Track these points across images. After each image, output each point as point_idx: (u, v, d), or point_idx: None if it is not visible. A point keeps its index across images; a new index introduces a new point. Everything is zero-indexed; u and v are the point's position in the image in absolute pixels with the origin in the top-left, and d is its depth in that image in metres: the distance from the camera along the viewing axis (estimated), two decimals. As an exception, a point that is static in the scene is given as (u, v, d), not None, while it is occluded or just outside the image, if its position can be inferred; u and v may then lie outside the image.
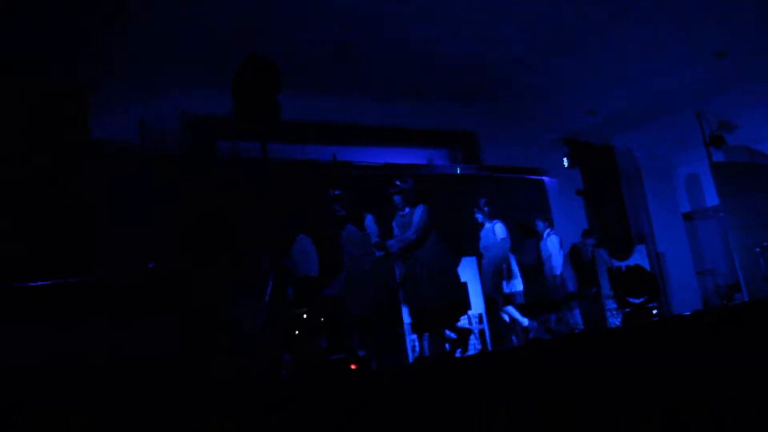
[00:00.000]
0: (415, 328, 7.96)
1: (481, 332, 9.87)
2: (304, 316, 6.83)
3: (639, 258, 11.46)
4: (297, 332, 6.76)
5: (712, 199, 14.72)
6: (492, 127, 12.96)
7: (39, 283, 5.88)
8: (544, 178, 13.69)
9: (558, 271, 10.04)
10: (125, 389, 5.39)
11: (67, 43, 7.96)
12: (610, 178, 14.23)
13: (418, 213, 7.78)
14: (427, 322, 7.55)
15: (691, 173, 15.94)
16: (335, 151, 11.18)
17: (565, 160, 13.26)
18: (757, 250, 11.66)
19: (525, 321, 9.20)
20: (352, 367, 6.58)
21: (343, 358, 6.68)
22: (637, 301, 9.28)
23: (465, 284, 8.78)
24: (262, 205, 8.10)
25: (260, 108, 7.20)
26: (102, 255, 8.01)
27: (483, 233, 9.80)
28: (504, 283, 9.35)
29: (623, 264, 11.03)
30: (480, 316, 9.88)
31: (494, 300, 9.65)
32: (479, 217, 9.88)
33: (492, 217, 9.85)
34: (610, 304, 10.66)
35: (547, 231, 10.79)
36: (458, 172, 12.64)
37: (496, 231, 9.62)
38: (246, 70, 7.21)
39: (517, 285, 9.39)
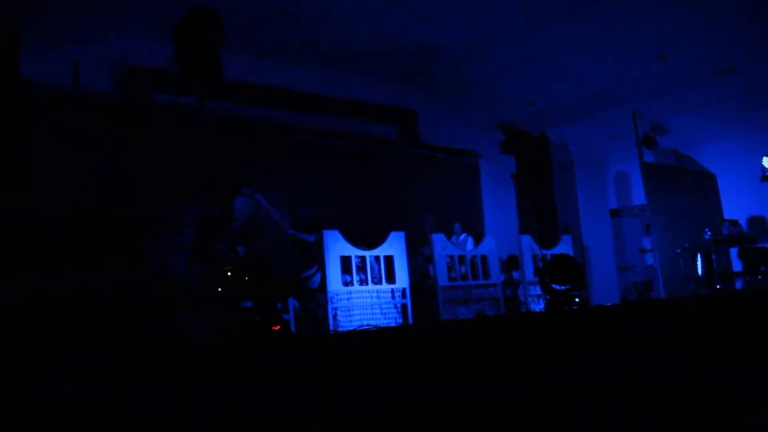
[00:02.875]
0: None
1: (404, 306, 9.96)
2: (229, 273, 6.76)
3: (564, 248, 11.66)
4: (219, 289, 6.69)
5: (638, 198, 15.08)
6: (432, 107, 13.01)
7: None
8: (479, 161, 13.81)
9: None
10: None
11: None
12: (542, 168, 14.41)
13: None
14: None
15: (621, 171, 16.30)
16: (273, 114, 11.11)
17: (500, 145, 13.46)
18: (678, 251, 11.98)
19: None
20: (275, 328, 6.57)
21: (265, 320, 6.66)
22: (561, 288, 9.42)
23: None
24: (196, 159, 8.00)
25: (202, 62, 7.08)
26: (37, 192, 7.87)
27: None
28: None
29: (548, 252, 11.20)
30: (403, 291, 9.96)
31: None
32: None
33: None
34: (532, 290, 10.85)
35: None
36: (396, 147, 12.68)
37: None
38: (189, 21, 7.07)
39: None
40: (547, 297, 9.78)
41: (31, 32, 8.42)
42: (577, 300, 9.22)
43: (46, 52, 8.81)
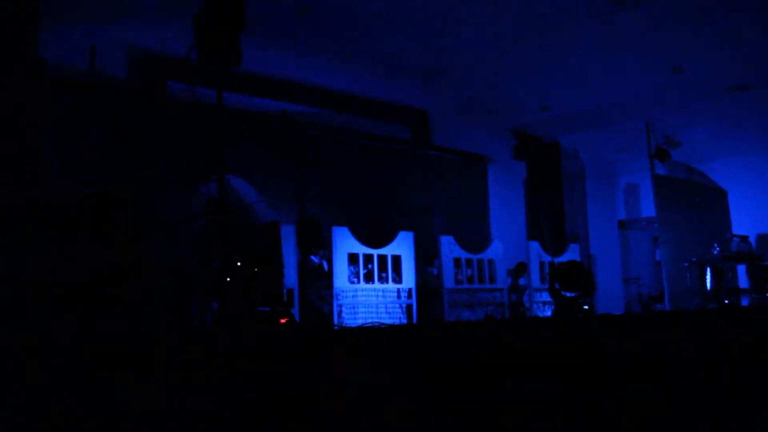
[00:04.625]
0: None
1: (409, 306, 9.91)
2: (239, 263, 6.69)
3: (572, 256, 11.60)
4: (228, 279, 6.62)
5: (647, 210, 15.03)
6: (445, 109, 12.98)
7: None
8: (488, 165, 13.77)
9: None
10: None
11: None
12: (553, 175, 14.38)
13: None
14: None
15: (630, 182, 16.25)
16: (285, 108, 11.08)
17: (511, 150, 13.40)
18: (686, 264, 11.90)
19: None
20: (282, 321, 6.51)
21: (273, 312, 6.60)
22: (570, 295, 9.32)
23: None
24: (206, 146, 7.93)
25: (222, 46, 7.02)
26: (41, 173, 7.83)
27: None
28: None
29: (555, 260, 11.14)
30: (409, 291, 9.91)
31: None
32: None
33: None
34: (538, 297, 10.80)
35: None
36: (408, 147, 12.66)
37: None
38: (211, 5, 7.03)
39: None
40: (555, 304, 9.68)
41: (50, 13, 8.37)
42: (585, 308, 9.13)
43: (64, 34, 8.80)
